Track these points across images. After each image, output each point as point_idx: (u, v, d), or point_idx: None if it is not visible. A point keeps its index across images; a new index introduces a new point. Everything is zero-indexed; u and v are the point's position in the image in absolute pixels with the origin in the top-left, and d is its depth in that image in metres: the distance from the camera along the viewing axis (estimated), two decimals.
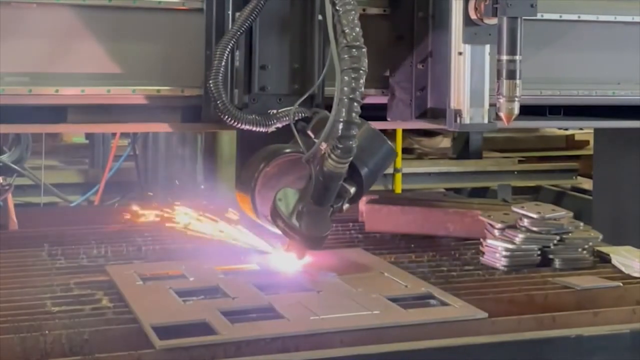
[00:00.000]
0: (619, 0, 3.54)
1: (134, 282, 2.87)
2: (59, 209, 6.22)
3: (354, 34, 2.69)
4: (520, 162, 8.79)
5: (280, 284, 2.89)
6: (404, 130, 7.46)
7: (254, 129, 2.90)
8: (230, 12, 2.99)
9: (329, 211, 2.82)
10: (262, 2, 2.88)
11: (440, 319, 2.60)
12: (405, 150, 8.33)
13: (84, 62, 3.00)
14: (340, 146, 2.68)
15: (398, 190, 7.32)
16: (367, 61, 2.68)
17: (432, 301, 2.77)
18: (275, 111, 2.93)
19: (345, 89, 2.66)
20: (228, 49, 2.88)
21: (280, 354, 2.39)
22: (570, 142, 9.60)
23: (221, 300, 2.72)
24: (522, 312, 2.68)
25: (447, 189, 7.45)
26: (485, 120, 3.02)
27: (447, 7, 3.01)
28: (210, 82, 2.87)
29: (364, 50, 2.68)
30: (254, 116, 2.90)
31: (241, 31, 2.90)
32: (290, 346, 2.40)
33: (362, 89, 2.68)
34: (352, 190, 2.82)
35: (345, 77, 2.67)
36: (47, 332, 2.37)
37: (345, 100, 2.66)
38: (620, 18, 3.52)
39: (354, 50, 2.68)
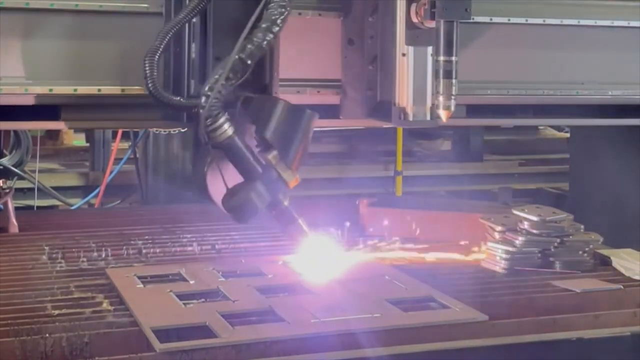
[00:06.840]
0: (582, 6, 3.67)
1: (134, 285, 2.87)
2: (60, 212, 6.21)
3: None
4: (520, 164, 8.78)
5: (280, 286, 2.89)
6: (404, 133, 7.45)
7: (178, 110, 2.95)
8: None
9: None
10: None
11: (441, 322, 2.60)
12: (406, 153, 8.32)
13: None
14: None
15: (399, 192, 7.32)
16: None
17: (433, 304, 2.77)
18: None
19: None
20: (170, 35, 2.91)
21: (280, 356, 2.39)
22: None
23: (221, 303, 2.72)
24: (522, 314, 2.68)
25: (447, 192, 7.46)
26: (428, 117, 3.13)
27: (393, 12, 3.12)
28: (146, 60, 2.86)
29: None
30: (179, 98, 2.93)
31: (186, 20, 2.95)
32: (290, 349, 2.41)
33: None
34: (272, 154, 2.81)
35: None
36: (47, 335, 2.38)
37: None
38: (583, 22, 3.65)
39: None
